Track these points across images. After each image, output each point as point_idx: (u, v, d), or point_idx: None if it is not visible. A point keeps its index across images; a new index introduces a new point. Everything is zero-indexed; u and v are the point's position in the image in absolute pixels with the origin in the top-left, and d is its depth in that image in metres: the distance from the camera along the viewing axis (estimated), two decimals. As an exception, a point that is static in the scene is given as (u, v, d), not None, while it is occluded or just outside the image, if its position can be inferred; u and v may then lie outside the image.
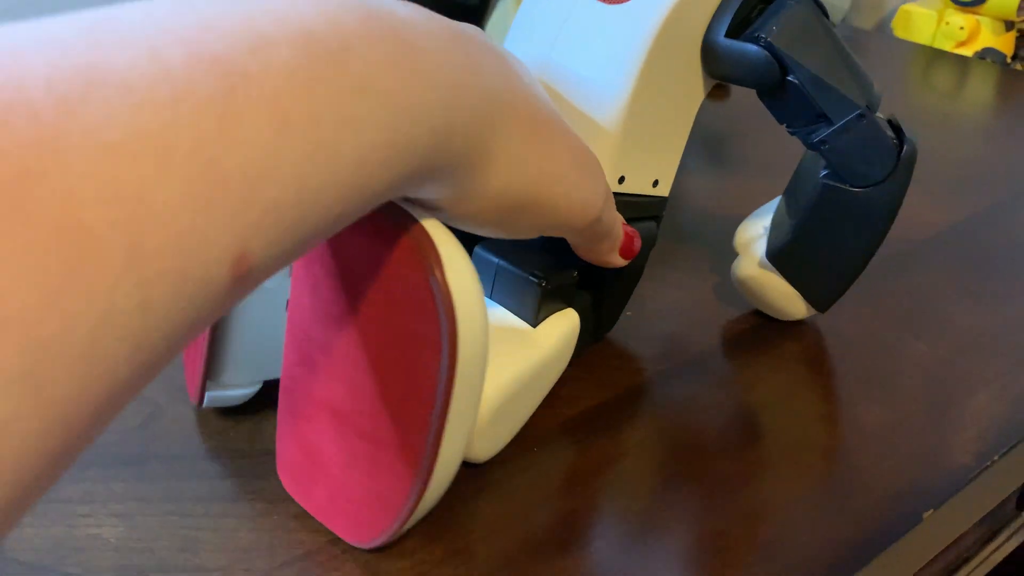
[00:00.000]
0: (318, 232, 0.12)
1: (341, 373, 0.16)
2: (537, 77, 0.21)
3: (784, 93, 0.21)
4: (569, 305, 0.21)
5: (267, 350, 0.19)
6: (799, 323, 0.27)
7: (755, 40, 0.20)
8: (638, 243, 0.21)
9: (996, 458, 0.21)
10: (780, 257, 0.24)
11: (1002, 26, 0.53)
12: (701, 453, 0.21)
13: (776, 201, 0.26)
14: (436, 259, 0.14)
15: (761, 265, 0.25)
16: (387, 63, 0.12)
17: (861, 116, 0.21)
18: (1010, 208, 0.34)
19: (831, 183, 0.22)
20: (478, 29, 0.16)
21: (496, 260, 0.21)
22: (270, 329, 0.19)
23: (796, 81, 0.20)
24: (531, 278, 0.20)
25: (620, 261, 0.20)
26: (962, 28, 0.52)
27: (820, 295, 0.25)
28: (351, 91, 0.12)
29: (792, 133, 0.22)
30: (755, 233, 0.25)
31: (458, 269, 0.15)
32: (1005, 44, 0.53)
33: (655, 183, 0.22)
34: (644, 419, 0.22)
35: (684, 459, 0.21)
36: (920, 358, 0.25)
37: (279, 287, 0.19)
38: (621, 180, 0.21)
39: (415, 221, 0.15)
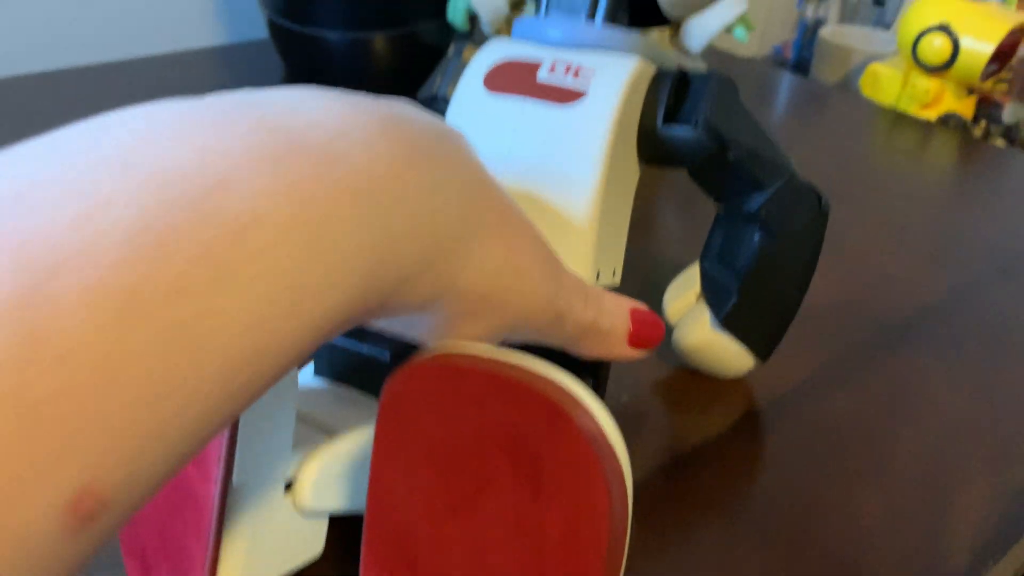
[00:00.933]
0: (213, 424, 0.09)
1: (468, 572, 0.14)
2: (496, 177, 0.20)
3: (721, 168, 0.22)
4: None
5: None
6: (789, 408, 0.27)
7: (693, 123, 0.21)
8: (659, 331, 0.20)
9: (991, 563, 0.21)
10: (733, 320, 0.25)
11: (964, 91, 0.55)
12: (689, 545, 0.21)
13: (693, 270, 0.27)
14: (581, 408, 0.13)
15: (712, 330, 0.26)
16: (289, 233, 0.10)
17: (789, 180, 0.23)
18: (982, 285, 0.34)
19: (767, 243, 0.24)
20: (432, 121, 0.13)
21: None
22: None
23: (733, 157, 0.22)
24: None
25: (634, 353, 0.20)
26: (927, 91, 0.53)
27: (766, 347, 0.26)
28: (214, 274, 0.09)
29: (724, 205, 0.24)
30: (688, 302, 0.27)
31: (605, 415, 0.14)
32: (966, 108, 0.55)
33: (614, 272, 0.22)
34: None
35: (676, 559, 0.20)
36: (911, 445, 0.25)
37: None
38: (598, 276, 0.21)
39: (536, 375, 0.13)
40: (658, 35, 0.35)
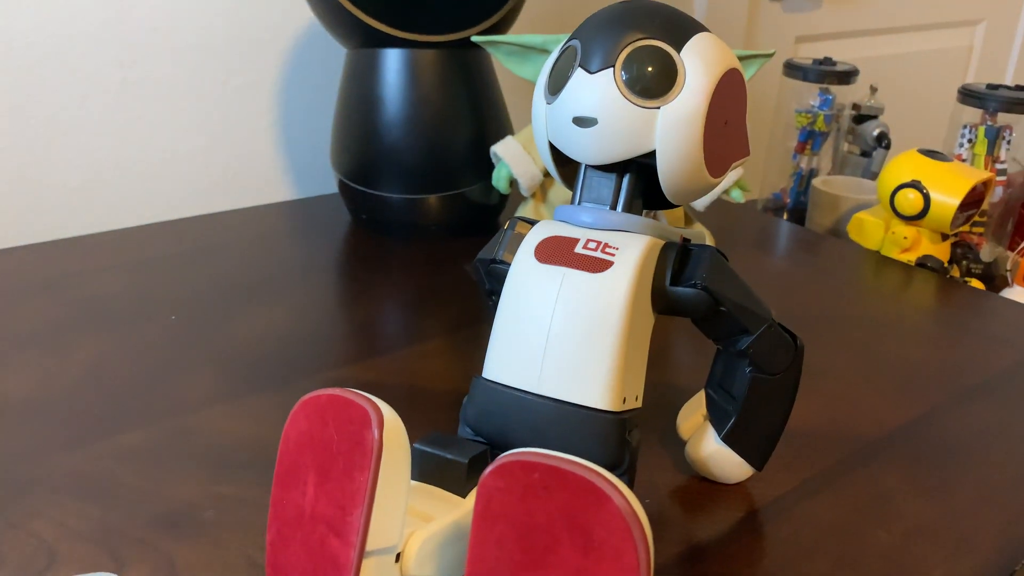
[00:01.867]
0: None
1: None
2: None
3: (716, 318, 0.29)
4: None
5: None
6: (782, 510, 0.32)
7: (693, 285, 0.28)
8: None
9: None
10: (732, 437, 0.32)
11: (939, 237, 0.63)
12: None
13: (700, 394, 0.34)
14: (616, 491, 0.20)
15: (716, 445, 0.32)
16: None
17: (770, 326, 0.30)
18: (949, 409, 0.40)
19: (757, 375, 0.31)
20: None
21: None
22: None
23: (726, 309, 0.29)
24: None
25: None
26: (906, 238, 0.61)
27: (760, 458, 0.33)
28: None
29: (720, 344, 0.31)
30: (696, 422, 0.34)
31: (633, 497, 0.20)
32: (942, 252, 0.62)
33: (637, 397, 0.28)
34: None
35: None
36: (880, 544, 0.31)
37: None
38: (624, 400, 0.27)
39: (585, 467, 0.20)
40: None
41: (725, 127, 0.29)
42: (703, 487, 0.34)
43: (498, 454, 0.28)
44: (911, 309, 0.53)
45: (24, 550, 0.29)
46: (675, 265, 0.29)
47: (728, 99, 0.29)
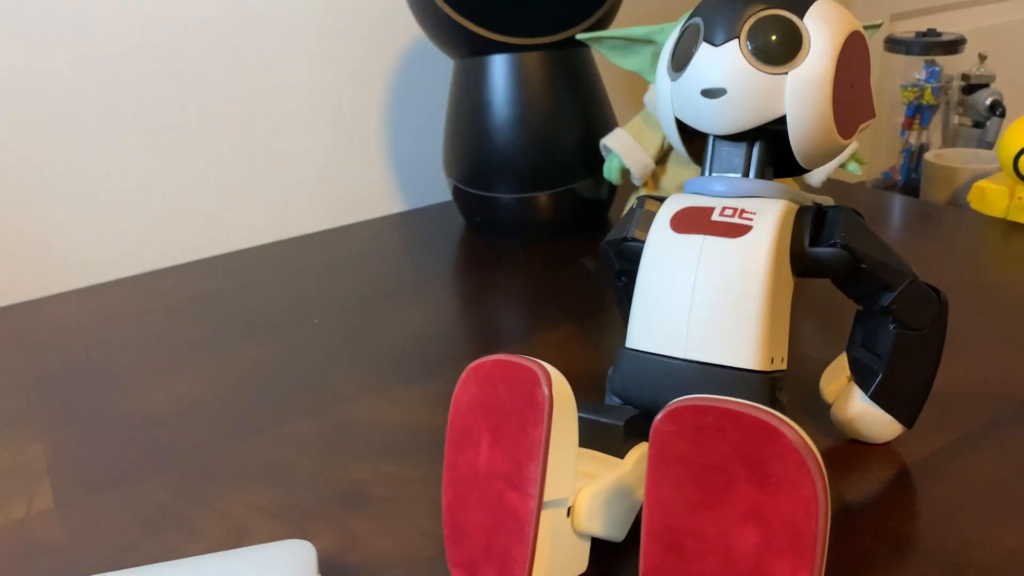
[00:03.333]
0: None
1: (716, 550, 0.21)
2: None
3: (857, 277, 0.30)
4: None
5: None
6: (935, 468, 0.32)
7: (833, 245, 0.29)
8: None
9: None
10: (880, 394, 0.32)
11: (1069, 199, 0.60)
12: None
13: (841, 359, 0.34)
14: (790, 427, 0.21)
15: (863, 403, 0.32)
16: None
17: (912, 280, 0.30)
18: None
19: (902, 331, 0.31)
20: None
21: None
22: None
23: (867, 267, 0.29)
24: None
25: None
26: (1033, 202, 0.59)
27: (910, 415, 0.33)
28: None
29: (861, 304, 0.31)
30: (841, 384, 0.34)
31: (805, 434, 0.21)
32: (1074, 214, 0.60)
33: (782, 359, 0.29)
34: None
35: None
36: (1046, 494, 0.30)
37: None
38: (771, 360, 0.28)
39: (755, 407, 0.21)
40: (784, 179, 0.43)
41: (852, 89, 0.29)
42: (852, 448, 0.34)
43: (648, 419, 0.30)
44: (1048, 272, 0.51)
45: (220, 525, 0.32)
46: (813, 227, 0.30)
47: (853, 61, 0.29)
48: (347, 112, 0.67)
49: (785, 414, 0.29)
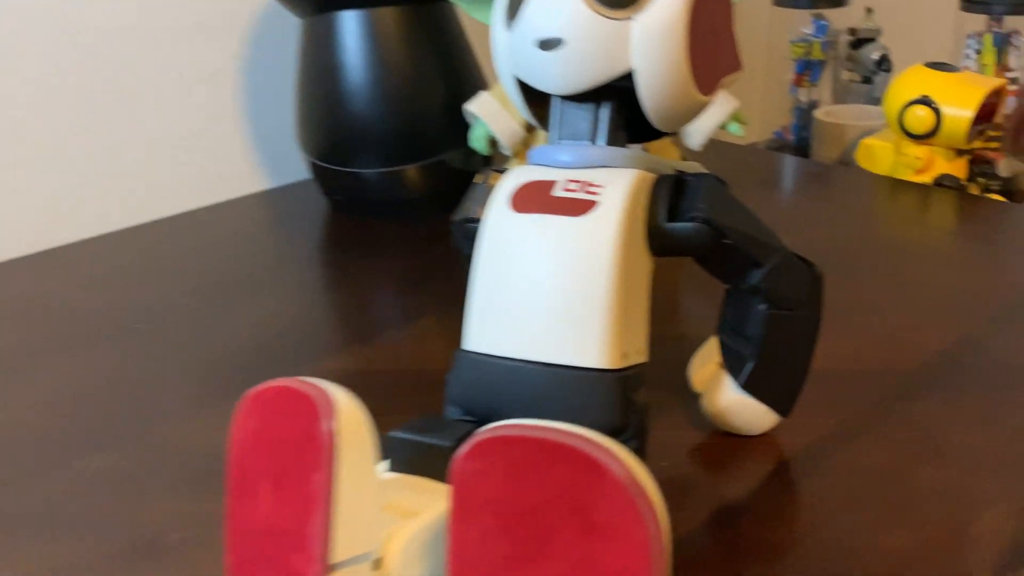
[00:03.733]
0: None
1: None
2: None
3: (721, 254, 0.26)
4: None
5: None
6: (818, 459, 0.29)
7: (692, 219, 0.25)
8: None
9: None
10: (752, 383, 0.28)
11: (954, 153, 0.59)
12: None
13: (711, 343, 0.31)
14: (615, 460, 0.16)
15: (735, 394, 0.29)
16: None
17: (782, 255, 0.27)
18: (988, 332, 0.37)
19: (774, 311, 0.27)
20: None
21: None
22: None
23: (731, 242, 0.25)
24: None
25: None
26: (918, 158, 0.57)
27: (786, 403, 0.29)
28: None
29: (728, 283, 0.28)
30: (711, 371, 0.30)
31: (636, 464, 0.17)
32: (959, 169, 0.58)
33: (639, 351, 0.25)
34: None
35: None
36: (932, 482, 0.28)
37: None
38: (625, 356, 0.24)
39: (577, 437, 0.17)
40: (660, 142, 0.40)
41: (711, 36, 0.26)
42: (726, 442, 0.30)
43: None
44: (934, 231, 0.49)
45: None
46: (671, 199, 0.26)
47: (710, 2, 0.25)
48: (191, 81, 0.60)
49: (643, 415, 0.25)
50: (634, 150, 0.26)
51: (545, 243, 0.25)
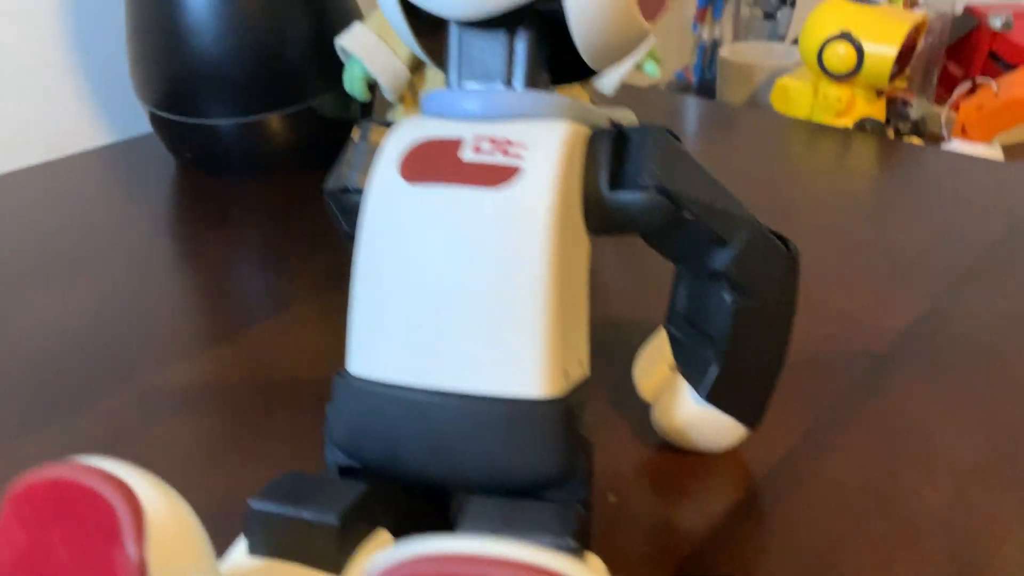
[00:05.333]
0: None
1: None
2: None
3: (677, 229, 0.20)
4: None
5: None
6: (792, 473, 0.24)
7: (644, 187, 0.19)
8: None
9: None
10: (716, 394, 0.22)
11: (874, 94, 0.55)
12: None
13: (659, 338, 0.25)
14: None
15: (695, 406, 0.23)
16: None
17: (754, 232, 0.20)
18: (953, 301, 0.33)
19: (743, 303, 0.21)
20: None
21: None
22: None
23: (691, 216, 0.19)
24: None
25: None
26: (839, 99, 0.53)
27: (755, 413, 0.24)
28: None
29: (684, 267, 0.22)
30: (662, 375, 0.25)
31: None
32: (878, 111, 0.55)
33: (580, 362, 0.19)
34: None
35: None
36: (928, 501, 0.23)
37: None
38: (566, 375, 0.18)
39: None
40: (568, 86, 0.33)
41: None
42: (682, 462, 0.24)
43: (385, 492, 0.19)
44: (862, 180, 0.45)
45: None
46: (612, 161, 0.19)
47: None
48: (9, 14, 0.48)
49: (589, 453, 0.19)
50: (561, 96, 0.20)
51: (452, 227, 0.18)
